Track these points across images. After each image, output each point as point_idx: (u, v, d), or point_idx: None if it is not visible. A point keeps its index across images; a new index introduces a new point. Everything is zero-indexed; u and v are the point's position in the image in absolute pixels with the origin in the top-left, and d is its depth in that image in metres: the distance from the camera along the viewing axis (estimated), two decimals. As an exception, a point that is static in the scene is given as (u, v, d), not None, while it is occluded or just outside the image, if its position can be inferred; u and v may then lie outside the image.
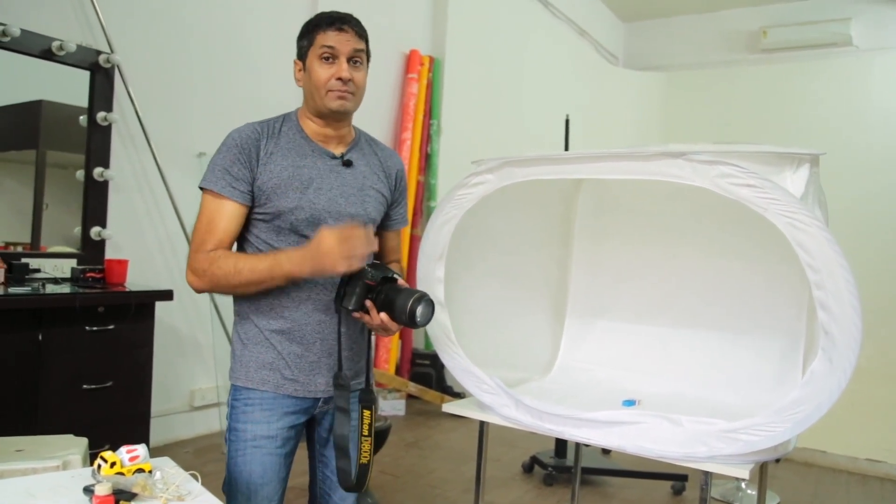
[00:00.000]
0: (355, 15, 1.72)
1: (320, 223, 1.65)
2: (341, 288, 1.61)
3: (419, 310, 1.54)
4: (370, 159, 1.80)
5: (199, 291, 1.65)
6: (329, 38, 1.64)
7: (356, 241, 1.52)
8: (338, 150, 1.74)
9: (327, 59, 1.64)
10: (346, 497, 1.83)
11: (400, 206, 1.90)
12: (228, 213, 1.63)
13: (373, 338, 1.79)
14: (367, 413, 1.69)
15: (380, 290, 1.58)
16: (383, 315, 1.58)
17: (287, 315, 1.67)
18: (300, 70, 1.71)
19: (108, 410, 2.99)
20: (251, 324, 1.70)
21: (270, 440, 1.68)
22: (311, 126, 1.72)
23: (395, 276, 1.62)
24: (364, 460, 1.68)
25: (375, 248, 1.57)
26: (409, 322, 1.55)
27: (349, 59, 1.65)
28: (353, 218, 1.71)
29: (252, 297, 1.68)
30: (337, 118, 1.70)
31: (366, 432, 1.69)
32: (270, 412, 1.68)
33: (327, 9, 1.77)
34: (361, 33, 1.69)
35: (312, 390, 1.71)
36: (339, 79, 1.64)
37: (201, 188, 1.67)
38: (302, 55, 1.70)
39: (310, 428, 1.81)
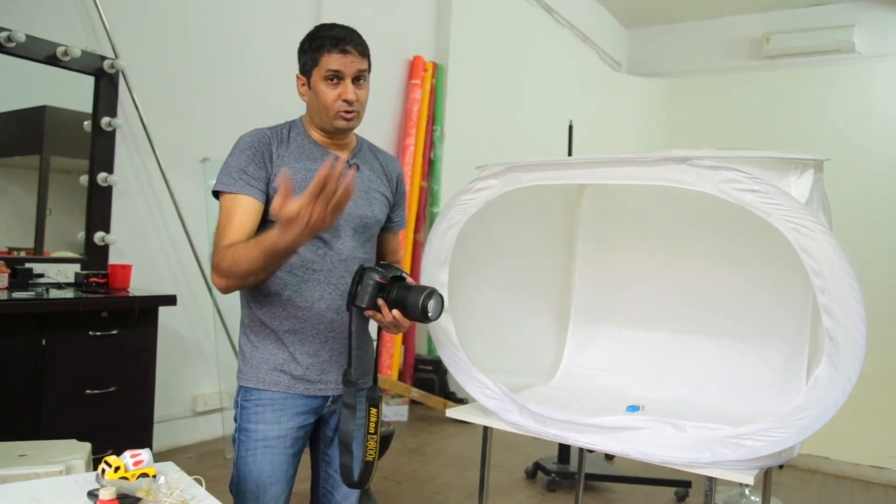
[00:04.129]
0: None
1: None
2: (353, 287, 1.64)
3: (430, 304, 1.59)
4: (373, 164, 1.85)
5: (224, 291, 1.62)
6: (333, 61, 1.66)
7: (322, 202, 1.37)
8: (344, 155, 1.78)
9: (332, 80, 1.68)
10: (348, 496, 1.85)
11: (400, 209, 1.95)
12: (245, 208, 1.63)
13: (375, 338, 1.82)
14: (373, 411, 1.71)
15: (391, 289, 1.63)
16: (395, 312, 1.61)
17: (300, 314, 1.69)
18: (303, 85, 1.75)
19: (112, 415, 2.99)
20: (262, 325, 1.72)
21: (281, 440, 1.71)
22: (317, 135, 1.77)
23: (404, 274, 1.66)
24: (370, 458, 1.71)
25: (351, 192, 1.42)
26: (421, 317, 1.59)
27: (353, 80, 1.69)
28: (362, 219, 1.76)
29: (264, 299, 1.71)
30: (342, 133, 1.76)
31: (372, 430, 1.71)
32: (281, 412, 1.71)
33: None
34: (364, 52, 1.72)
35: (323, 389, 1.73)
36: (346, 100, 1.68)
37: (216, 192, 1.67)
38: (306, 72, 1.73)
39: (315, 427, 1.83)
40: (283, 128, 1.76)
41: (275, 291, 1.69)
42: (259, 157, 1.66)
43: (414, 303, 1.59)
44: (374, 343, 1.85)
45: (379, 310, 1.62)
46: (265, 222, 1.66)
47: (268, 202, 1.66)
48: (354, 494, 1.86)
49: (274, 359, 1.71)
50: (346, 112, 1.69)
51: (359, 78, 1.70)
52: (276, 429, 1.70)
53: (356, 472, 1.71)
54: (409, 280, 1.66)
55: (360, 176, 1.78)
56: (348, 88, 1.67)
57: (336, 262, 1.71)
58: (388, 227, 1.92)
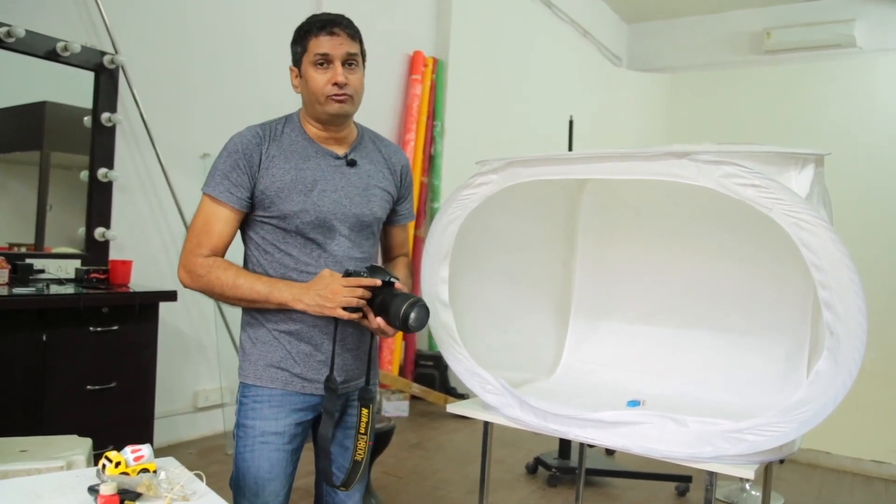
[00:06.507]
0: (359, 16, 1.71)
1: (326, 225, 1.68)
2: None
3: (412, 315, 1.55)
4: (374, 157, 1.80)
5: (187, 287, 1.69)
6: (322, 43, 1.63)
7: (360, 294, 1.57)
8: (341, 151, 1.74)
9: (321, 64, 1.64)
10: (352, 494, 1.83)
11: (406, 202, 1.91)
12: (224, 219, 1.65)
13: (376, 338, 1.80)
14: (364, 411, 1.70)
15: (377, 295, 1.60)
16: (380, 319, 1.60)
17: (296, 316, 1.67)
18: (296, 76, 1.71)
19: (112, 411, 2.99)
20: (260, 324, 1.71)
21: (278, 436, 1.70)
22: (313, 129, 1.73)
23: (393, 279, 1.63)
24: (358, 457, 1.70)
25: (372, 321, 1.62)
26: (402, 327, 1.56)
27: (344, 63, 1.64)
28: (359, 218, 1.73)
29: None
30: (337, 122, 1.71)
31: (362, 430, 1.70)
32: (279, 409, 1.70)
33: (331, 9, 1.77)
34: (354, 35, 1.67)
35: (319, 388, 1.72)
36: (336, 83, 1.63)
37: (203, 192, 1.69)
38: (297, 62, 1.70)
39: (315, 425, 1.81)
40: (277, 123, 1.72)
41: None
42: (244, 161, 1.64)
43: (396, 312, 1.56)
44: (376, 340, 1.82)
45: (365, 315, 1.62)
46: (255, 223, 1.71)
47: (254, 206, 1.67)
48: (358, 492, 1.85)
49: (271, 356, 1.70)
50: (337, 95, 1.64)
51: (350, 62, 1.66)
52: (274, 425, 1.69)
53: (336, 475, 1.72)
54: (398, 286, 1.63)
55: (357, 172, 1.74)
56: (338, 71, 1.63)
57: (330, 264, 1.68)
58: (394, 220, 1.89)
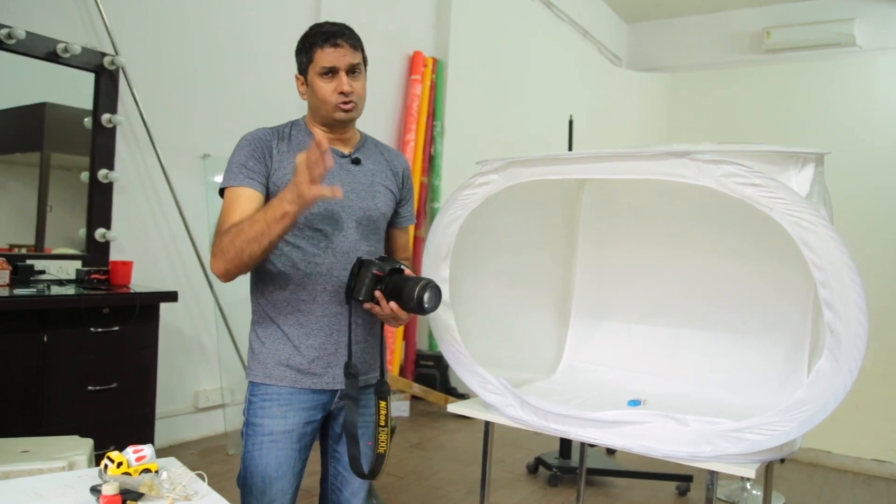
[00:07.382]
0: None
1: (334, 217, 1.72)
2: (351, 280, 1.66)
3: (426, 296, 1.59)
4: (377, 159, 1.86)
5: (224, 276, 1.60)
6: (326, 56, 1.70)
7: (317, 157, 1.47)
8: (346, 151, 1.80)
9: (327, 74, 1.71)
10: (357, 493, 1.86)
11: (408, 204, 1.96)
12: (246, 197, 1.64)
13: (384, 333, 1.83)
14: (382, 404, 1.73)
15: (388, 281, 1.63)
16: (392, 304, 1.62)
17: (304, 308, 1.71)
18: (303, 84, 1.78)
19: (113, 412, 3.00)
20: (269, 321, 1.74)
21: (287, 435, 1.72)
22: (319, 131, 1.78)
23: (403, 266, 1.67)
24: (381, 450, 1.72)
25: (330, 163, 1.49)
26: (417, 308, 1.59)
27: (348, 72, 1.72)
28: (365, 212, 1.77)
29: (270, 294, 1.73)
30: (343, 125, 1.78)
31: (382, 423, 1.73)
32: (287, 407, 1.72)
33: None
34: (356, 45, 1.75)
35: (330, 382, 1.74)
36: (342, 92, 1.70)
37: (221, 189, 1.70)
38: (302, 71, 1.77)
39: (324, 424, 1.84)
40: (284, 127, 1.78)
41: (279, 285, 1.72)
42: (259, 152, 1.69)
43: (409, 294, 1.59)
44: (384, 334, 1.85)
45: (377, 302, 1.64)
46: None
47: (268, 196, 1.68)
48: (363, 491, 1.87)
49: (280, 353, 1.72)
50: (344, 104, 1.71)
51: (353, 70, 1.73)
52: (283, 423, 1.72)
53: (365, 463, 1.72)
54: (408, 272, 1.67)
55: (362, 170, 1.79)
56: (343, 80, 1.70)
57: (338, 256, 1.72)
58: (396, 222, 1.93)
